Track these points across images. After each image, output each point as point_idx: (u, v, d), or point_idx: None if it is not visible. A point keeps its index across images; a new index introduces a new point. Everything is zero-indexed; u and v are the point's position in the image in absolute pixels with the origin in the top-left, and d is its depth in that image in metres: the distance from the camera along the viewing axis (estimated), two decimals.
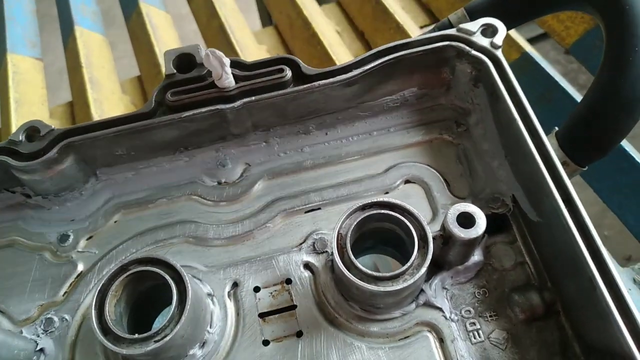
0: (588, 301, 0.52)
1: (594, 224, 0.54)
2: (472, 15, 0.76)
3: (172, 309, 0.54)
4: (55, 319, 0.63)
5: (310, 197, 0.70)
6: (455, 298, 0.61)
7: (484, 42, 0.68)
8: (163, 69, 0.70)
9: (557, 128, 0.71)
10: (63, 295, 0.66)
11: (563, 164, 0.65)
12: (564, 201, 0.56)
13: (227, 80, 0.66)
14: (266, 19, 1.71)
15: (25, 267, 0.68)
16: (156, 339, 0.53)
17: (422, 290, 0.61)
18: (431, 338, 0.59)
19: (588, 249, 0.53)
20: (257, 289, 0.64)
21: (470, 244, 0.58)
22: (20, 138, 0.66)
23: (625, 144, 0.87)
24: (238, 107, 0.67)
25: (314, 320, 0.61)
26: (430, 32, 0.75)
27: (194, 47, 0.70)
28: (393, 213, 0.58)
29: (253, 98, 0.67)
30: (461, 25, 0.69)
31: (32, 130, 0.67)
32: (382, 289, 0.54)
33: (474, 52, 0.68)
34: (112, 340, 0.53)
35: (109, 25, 1.38)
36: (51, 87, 1.25)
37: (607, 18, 0.56)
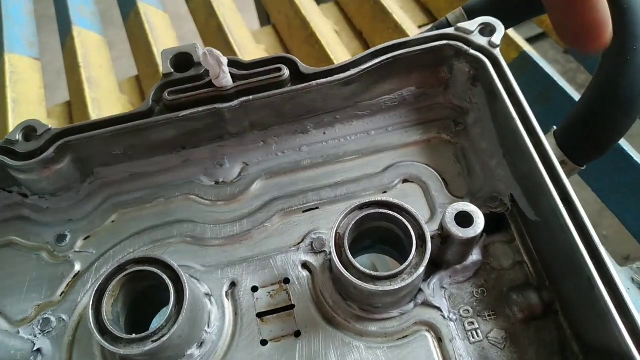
0: (587, 300, 0.52)
1: (592, 223, 0.54)
2: (471, 15, 0.76)
3: (170, 309, 0.54)
4: (53, 319, 0.63)
5: (308, 197, 0.70)
6: (453, 297, 0.61)
7: (482, 41, 0.68)
8: (161, 69, 0.70)
9: (555, 127, 0.71)
10: (60, 296, 0.65)
11: (561, 163, 0.65)
12: (562, 200, 0.55)
13: (225, 79, 0.66)
14: (264, 18, 1.70)
15: (22, 267, 0.68)
16: (154, 339, 0.52)
17: (420, 290, 0.61)
18: (430, 337, 0.59)
19: (586, 248, 0.53)
20: (255, 289, 0.64)
21: (469, 243, 0.57)
22: (17, 137, 0.66)
23: (623, 143, 0.87)
24: (235, 107, 0.67)
25: (312, 320, 0.61)
26: (428, 31, 0.75)
27: (192, 47, 0.70)
28: (391, 212, 0.57)
29: (250, 97, 0.67)
30: (459, 25, 0.69)
31: (29, 130, 0.67)
32: (380, 288, 0.54)
33: (472, 51, 0.68)
34: (109, 340, 0.53)
35: (107, 25, 1.38)
36: (49, 87, 1.25)
37: None
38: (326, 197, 0.70)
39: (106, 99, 1.12)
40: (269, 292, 0.63)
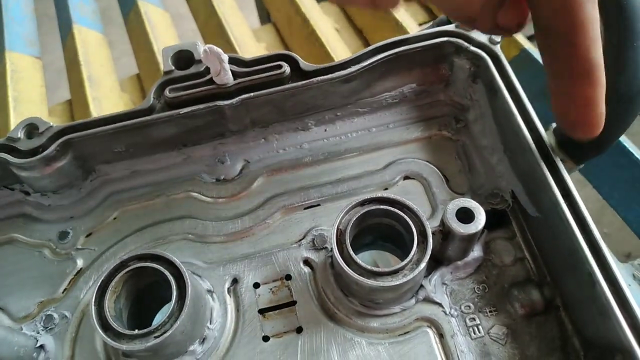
0: (588, 296, 0.52)
1: (594, 221, 0.54)
2: None
3: (172, 305, 0.54)
4: (55, 315, 0.63)
5: (310, 194, 0.70)
6: (454, 293, 0.61)
7: (483, 38, 0.68)
8: (162, 67, 0.70)
9: (554, 125, 0.71)
10: (63, 292, 0.66)
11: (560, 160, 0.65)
12: (563, 196, 0.56)
13: (226, 76, 0.66)
14: (265, 16, 1.70)
15: (24, 265, 0.68)
16: (156, 334, 0.53)
17: (421, 286, 0.61)
18: (431, 333, 0.59)
19: (587, 244, 0.53)
20: (256, 285, 0.64)
21: (470, 239, 0.58)
22: (19, 135, 0.66)
23: (624, 140, 0.87)
24: (236, 104, 0.67)
25: (314, 316, 0.61)
26: (428, 28, 0.75)
27: (192, 44, 0.70)
28: (392, 209, 0.58)
29: (251, 94, 0.67)
30: None
31: (31, 127, 0.67)
32: (381, 284, 0.54)
33: (472, 48, 0.68)
34: (112, 336, 0.53)
35: (108, 24, 1.38)
36: (50, 86, 1.25)
37: (605, 14, 0.56)
38: (327, 193, 0.70)
39: (107, 97, 1.12)
40: (271, 289, 0.63)
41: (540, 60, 0.53)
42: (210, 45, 0.64)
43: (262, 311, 0.62)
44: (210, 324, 0.60)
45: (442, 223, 0.57)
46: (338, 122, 0.75)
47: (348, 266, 0.55)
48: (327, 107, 0.73)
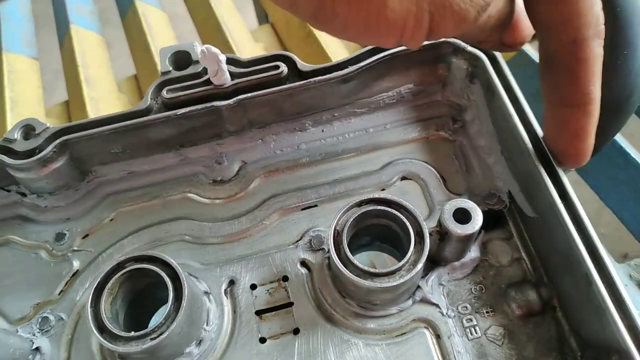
0: (584, 297, 0.52)
1: (591, 221, 0.54)
2: None
3: (169, 307, 0.54)
4: (51, 317, 0.63)
5: (307, 194, 0.70)
6: (451, 294, 0.61)
7: None
8: (159, 68, 0.70)
9: None
10: (59, 294, 0.65)
11: None
12: (559, 197, 0.56)
13: (223, 77, 0.66)
14: (262, 17, 1.70)
15: (20, 266, 0.68)
16: (152, 336, 0.53)
17: (418, 287, 0.61)
18: (428, 334, 0.59)
19: (584, 245, 0.53)
20: (253, 287, 0.64)
21: (467, 240, 0.58)
22: (16, 136, 0.66)
23: (621, 140, 0.87)
24: (234, 104, 0.67)
25: (311, 318, 0.61)
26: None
27: (190, 45, 0.70)
28: (389, 209, 0.57)
29: (249, 95, 0.67)
30: None
31: (27, 128, 0.67)
32: (378, 285, 0.54)
33: (470, 49, 0.68)
34: (108, 338, 0.53)
35: (105, 25, 1.37)
36: (47, 87, 1.24)
37: None
38: (324, 194, 0.70)
39: (105, 98, 1.12)
40: (268, 290, 0.63)
41: (539, 61, 0.54)
42: (208, 46, 0.64)
43: (259, 313, 0.62)
44: (207, 325, 0.60)
45: (439, 224, 0.57)
46: (335, 122, 0.74)
47: (345, 267, 0.55)
48: (325, 107, 0.73)
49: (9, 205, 0.71)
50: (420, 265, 0.54)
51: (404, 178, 0.70)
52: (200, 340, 0.59)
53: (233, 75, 0.67)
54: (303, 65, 0.68)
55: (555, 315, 0.59)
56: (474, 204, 0.57)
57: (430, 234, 0.56)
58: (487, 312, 0.60)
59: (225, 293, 0.63)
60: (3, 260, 0.68)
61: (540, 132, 0.61)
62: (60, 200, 0.71)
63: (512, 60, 1.03)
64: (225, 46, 1.13)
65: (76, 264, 0.67)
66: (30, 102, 1.15)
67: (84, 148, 0.68)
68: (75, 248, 0.68)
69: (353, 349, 0.59)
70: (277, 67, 0.68)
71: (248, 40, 1.18)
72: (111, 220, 0.71)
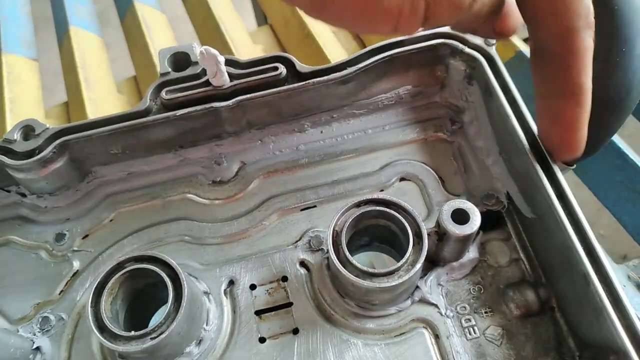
0: (582, 297, 0.53)
1: (590, 223, 0.54)
2: None
3: (168, 307, 0.54)
4: (52, 317, 0.63)
5: (306, 195, 0.70)
6: (450, 294, 0.62)
7: (478, 40, 0.68)
8: (158, 69, 0.70)
9: None
10: (59, 294, 0.65)
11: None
12: (557, 197, 0.56)
13: (222, 78, 0.66)
14: (261, 18, 1.71)
15: (20, 266, 0.68)
16: (152, 336, 0.53)
17: (417, 287, 0.61)
18: (427, 334, 0.60)
19: (582, 245, 0.53)
20: (253, 287, 0.64)
21: (465, 240, 0.58)
22: (16, 137, 0.66)
23: (619, 141, 0.87)
24: (233, 105, 0.67)
25: (310, 318, 0.61)
26: (424, 30, 0.75)
27: (189, 46, 0.70)
28: (388, 210, 0.58)
29: (248, 96, 0.67)
30: None
31: (27, 129, 0.67)
32: (377, 285, 0.54)
33: (467, 50, 0.68)
34: (108, 338, 0.53)
35: (104, 26, 1.37)
36: (47, 88, 1.24)
37: (596, 19, 0.58)
38: (324, 195, 0.70)
39: (104, 99, 1.12)
40: (267, 290, 0.63)
41: (530, 54, 0.55)
42: (207, 47, 0.64)
43: (258, 313, 0.62)
44: (207, 325, 0.60)
45: (438, 224, 0.58)
46: (334, 123, 0.75)
47: (344, 267, 0.55)
48: (323, 108, 0.73)
49: (9, 205, 0.72)
50: (418, 266, 0.55)
51: (402, 179, 0.71)
52: (200, 340, 0.59)
53: (232, 77, 0.68)
54: (302, 66, 0.68)
55: (554, 316, 0.59)
56: (472, 204, 0.57)
57: (428, 235, 0.56)
58: (485, 312, 0.60)
59: (225, 293, 0.64)
60: (3, 261, 0.69)
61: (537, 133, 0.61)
62: (60, 201, 0.71)
63: (510, 62, 1.03)
64: (224, 47, 1.13)
65: (76, 264, 0.67)
66: (30, 103, 1.15)
67: (83, 149, 0.68)
68: (75, 248, 0.68)
69: (352, 349, 0.59)
70: (276, 68, 0.68)
71: (247, 42, 1.19)
72: (111, 220, 0.71)
